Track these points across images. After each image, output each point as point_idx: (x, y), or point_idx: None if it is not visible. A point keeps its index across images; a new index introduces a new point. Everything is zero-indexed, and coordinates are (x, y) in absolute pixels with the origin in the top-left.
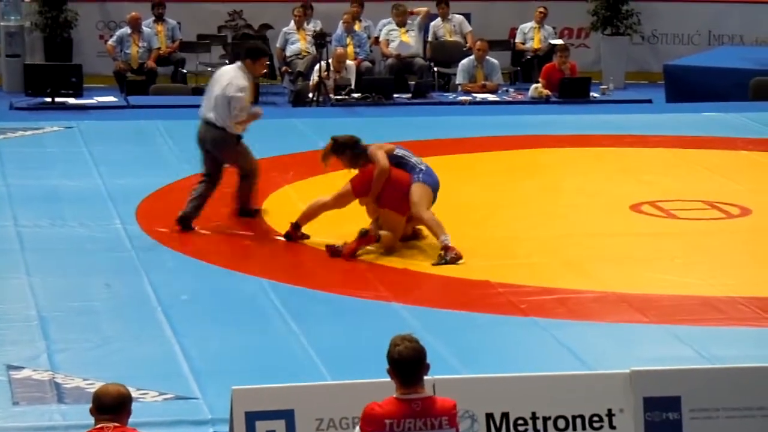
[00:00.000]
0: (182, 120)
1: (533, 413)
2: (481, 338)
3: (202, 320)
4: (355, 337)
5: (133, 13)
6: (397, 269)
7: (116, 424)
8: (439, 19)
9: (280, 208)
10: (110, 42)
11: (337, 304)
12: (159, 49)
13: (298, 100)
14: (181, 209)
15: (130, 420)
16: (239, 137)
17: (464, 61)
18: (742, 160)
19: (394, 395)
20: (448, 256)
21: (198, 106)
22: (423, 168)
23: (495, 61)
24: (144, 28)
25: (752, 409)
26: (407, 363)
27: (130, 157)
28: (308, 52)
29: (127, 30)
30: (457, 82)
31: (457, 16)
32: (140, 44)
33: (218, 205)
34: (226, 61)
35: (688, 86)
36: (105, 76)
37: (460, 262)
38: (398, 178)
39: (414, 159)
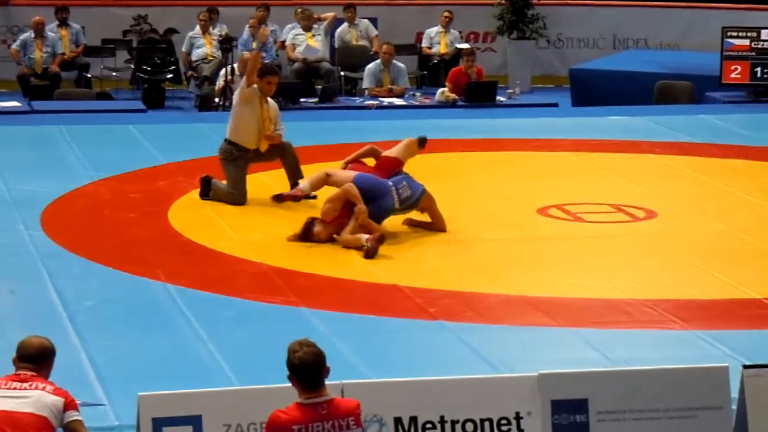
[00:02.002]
0: (87, 125)
1: (441, 417)
2: (390, 342)
3: (108, 326)
4: (262, 342)
5: (37, 18)
6: (305, 274)
7: (33, 373)
8: (345, 23)
9: (187, 212)
10: (14, 46)
11: (244, 309)
12: (63, 54)
13: (205, 104)
14: (86, 215)
15: None
16: (238, 154)
17: (371, 65)
18: (648, 164)
19: (298, 400)
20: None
21: (104, 111)
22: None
23: (402, 65)
24: (48, 33)
25: (658, 410)
26: (308, 368)
27: (34, 163)
28: (214, 57)
29: (31, 34)
30: (363, 86)
31: (364, 20)
32: (44, 49)
33: (125, 210)
34: (131, 66)
35: (593, 90)
36: (8, 81)
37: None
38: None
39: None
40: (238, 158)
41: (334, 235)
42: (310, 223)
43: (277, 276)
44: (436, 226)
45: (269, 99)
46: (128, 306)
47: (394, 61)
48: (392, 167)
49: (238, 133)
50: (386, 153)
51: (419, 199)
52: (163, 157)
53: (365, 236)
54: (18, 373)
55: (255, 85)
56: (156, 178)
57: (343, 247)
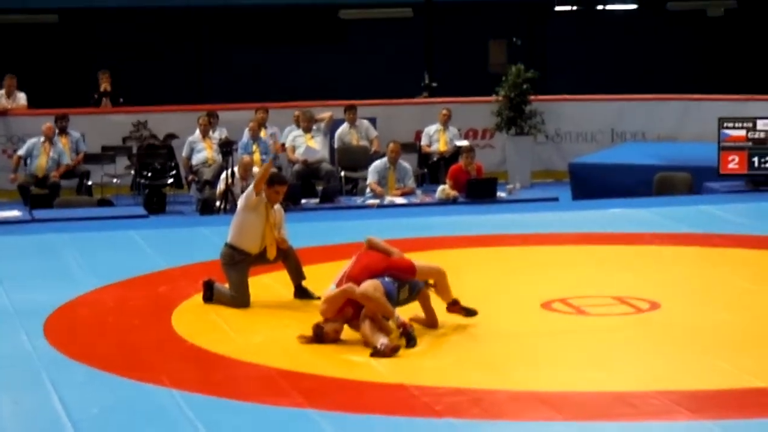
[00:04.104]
0: (89, 232)
1: None
2: None
3: None
4: None
5: (48, 124)
6: (310, 375)
7: None
8: (346, 124)
9: (190, 317)
10: (19, 152)
11: (251, 413)
12: (68, 165)
13: (206, 208)
14: (88, 322)
15: None
16: (240, 258)
17: (377, 162)
18: (650, 255)
19: None
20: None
21: (105, 218)
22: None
23: (407, 165)
24: (57, 142)
25: None
26: None
27: (36, 272)
28: (214, 161)
29: (40, 139)
30: (367, 182)
31: (364, 121)
32: (51, 154)
33: (128, 317)
34: (132, 172)
35: (593, 183)
36: (8, 191)
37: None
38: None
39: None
40: (239, 262)
41: (353, 326)
42: (318, 326)
43: (283, 378)
44: (428, 321)
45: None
46: (133, 413)
47: (400, 161)
48: (404, 273)
49: (242, 238)
50: (413, 260)
51: (417, 295)
52: (165, 262)
53: (383, 341)
54: None
55: (263, 193)
56: (158, 284)
57: (362, 339)
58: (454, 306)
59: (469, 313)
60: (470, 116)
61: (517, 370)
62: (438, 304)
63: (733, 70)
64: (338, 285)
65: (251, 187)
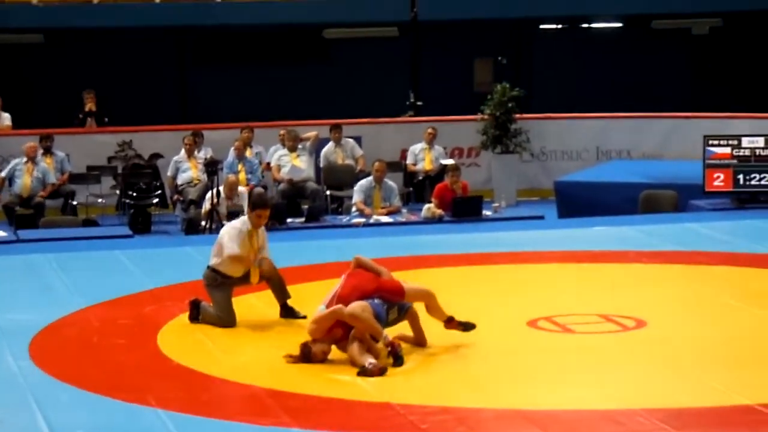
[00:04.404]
0: (74, 252)
1: None
2: None
3: None
4: None
5: (30, 144)
6: (297, 394)
7: None
8: (331, 143)
9: (176, 336)
10: (2, 174)
11: None
12: (53, 184)
13: (191, 228)
14: (74, 343)
15: None
16: (223, 280)
17: (363, 181)
18: (636, 273)
19: None
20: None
21: (90, 237)
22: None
23: (393, 183)
24: (40, 161)
25: None
26: None
27: (21, 292)
28: (200, 180)
29: (22, 159)
30: (353, 201)
31: (349, 140)
32: (35, 174)
33: (114, 337)
34: (117, 192)
35: (578, 201)
36: None
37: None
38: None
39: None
40: (222, 284)
41: (341, 348)
42: (306, 346)
43: (269, 397)
44: (416, 340)
45: None
46: None
47: (385, 179)
48: (394, 295)
49: (225, 263)
50: (402, 282)
51: (405, 315)
52: (150, 281)
53: (371, 361)
54: None
55: (246, 217)
56: (144, 303)
57: (349, 359)
58: (450, 323)
59: (467, 327)
60: (456, 135)
61: (504, 388)
62: (431, 323)
63: (718, 88)
64: (328, 305)
65: (239, 228)
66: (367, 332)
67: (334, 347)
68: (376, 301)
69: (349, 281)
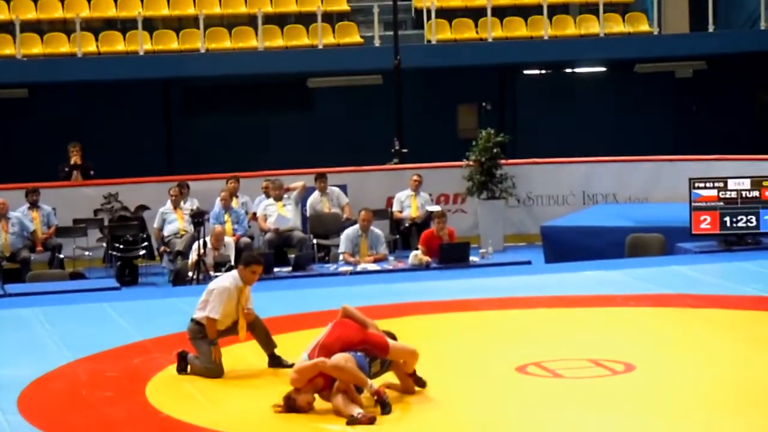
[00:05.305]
0: (61, 305)
1: None
2: None
3: None
4: None
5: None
6: None
7: None
8: (317, 192)
9: (164, 388)
10: None
11: None
12: (34, 232)
13: (179, 279)
14: (62, 396)
15: None
16: (203, 333)
17: (349, 231)
18: (624, 317)
19: None
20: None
21: (77, 291)
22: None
23: (379, 231)
24: (12, 214)
25: None
26: None
27: (9, 346)
28: (186, 231)
29: None
30: (339, 251)
31: (335, 188)
32: (10, 229)
33: (102, 389)
34: (104, 244)
35: (565, 246)
36: None
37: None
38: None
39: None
40: (206, 336)
41: (323, 397)
42: (289, 398)
43: None
44: (403, 388)
45: None
46: None
47: (372, 228)
48: (378, 350)
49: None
50: (388, 340)
51: (388, 368)
52: (138, 333)
53: (359, 410)
54: None
55: (236, 273)
56: (132, 356)
57: (334, 410)
58: (410, 375)
59: (420, 383)
60: (441, 181)
61: None
62: (425, 370)
63: (702, 131)
64: (311, 353)
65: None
66: (352, 382)
67: (318, 397)
68: (358, 354)
69: (334, 331)
